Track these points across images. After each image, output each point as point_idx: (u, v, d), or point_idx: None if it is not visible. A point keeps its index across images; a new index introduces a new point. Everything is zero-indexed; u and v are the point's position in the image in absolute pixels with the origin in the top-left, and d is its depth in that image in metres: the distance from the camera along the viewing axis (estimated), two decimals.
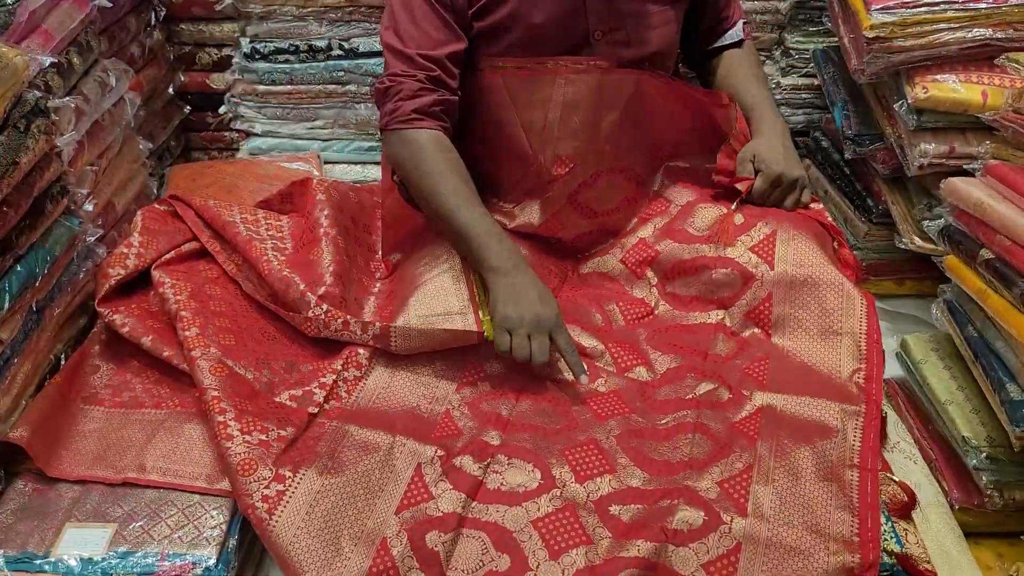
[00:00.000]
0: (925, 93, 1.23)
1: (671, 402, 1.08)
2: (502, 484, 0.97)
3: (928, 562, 0.92)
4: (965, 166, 1.14)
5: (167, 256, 1.21)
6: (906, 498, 0.97)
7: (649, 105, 1.24)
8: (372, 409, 1.06)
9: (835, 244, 1.21)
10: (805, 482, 0.95)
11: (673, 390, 1.10)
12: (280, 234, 1.27)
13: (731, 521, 0.90)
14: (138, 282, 1.20)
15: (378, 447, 1.00)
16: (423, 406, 1.08)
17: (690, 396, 1.08)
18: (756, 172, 1.23)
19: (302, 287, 1.13)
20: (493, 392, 1.10)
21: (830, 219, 1.26)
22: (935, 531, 1.00)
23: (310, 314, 1.11)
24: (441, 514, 0.94)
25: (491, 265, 1.13)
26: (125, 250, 1.19)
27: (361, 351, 1.11)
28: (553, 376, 1.12)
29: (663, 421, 1.05)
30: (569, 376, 1.11)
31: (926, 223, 1.21)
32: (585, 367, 1.09)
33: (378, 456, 0.99)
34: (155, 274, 1.18)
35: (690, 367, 1.12)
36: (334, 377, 1.08)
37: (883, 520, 0.93)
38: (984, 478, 1.04)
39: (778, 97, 1.63)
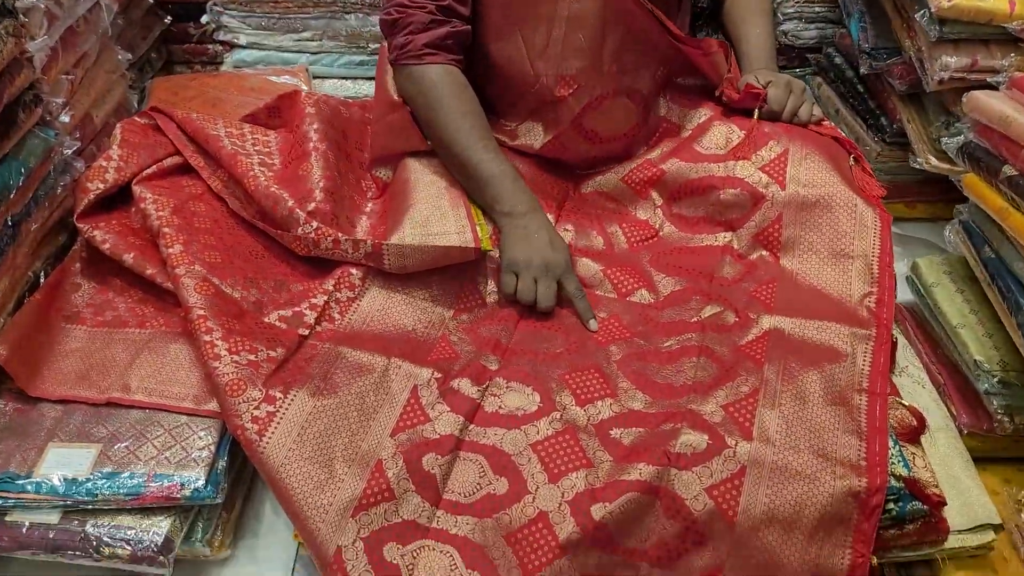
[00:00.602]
0: (949, 2, 1.16)
1: (675, 325, 1.04)
2: (500, 407, 0.94)
3: (936, 486, 0.89)
4: (988, 79, 1.08)
5: (148, 171, 1.15)
6: (915, 422, 0.94)
7: (651, 27, 1.17)
8: (366, 331, 1.02)
9: (852, 160, 1.16)
10: (812, 406, 0.92)
11: (677, 313, 1.06)
12: (267, 149, 1.21)
13: (735, 445, 0.88)
14: (119, 198, 1.14)
15: (372, 369, 0.96)
16: (419, 329, 1.04)
17: (695, 319, 1.04)
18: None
19: (291, 203, 1.08)
20: (491, 318, 1.07)
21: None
22: (943, 455, 0.98)
23: (299, 232, 1.06)
24: (438, 436, 0.91)
25: (503, 209, 1.10)
26: (104, 163, 1.13)
27: (354, 271, 1.06)
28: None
29: (666, 344, 1.02)
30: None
31: (944, 141, 1.16)
32: (595, 315, 1.06)
33: (372, 378, 0.95)
34: (136, 189, 1.12)
35: (695, 290, 1.08)
36: (325, 298, 1.03)
37: (891, 444, 0.90)
38: (995, 403, 1.01)
39: (790, 10, 1.55)
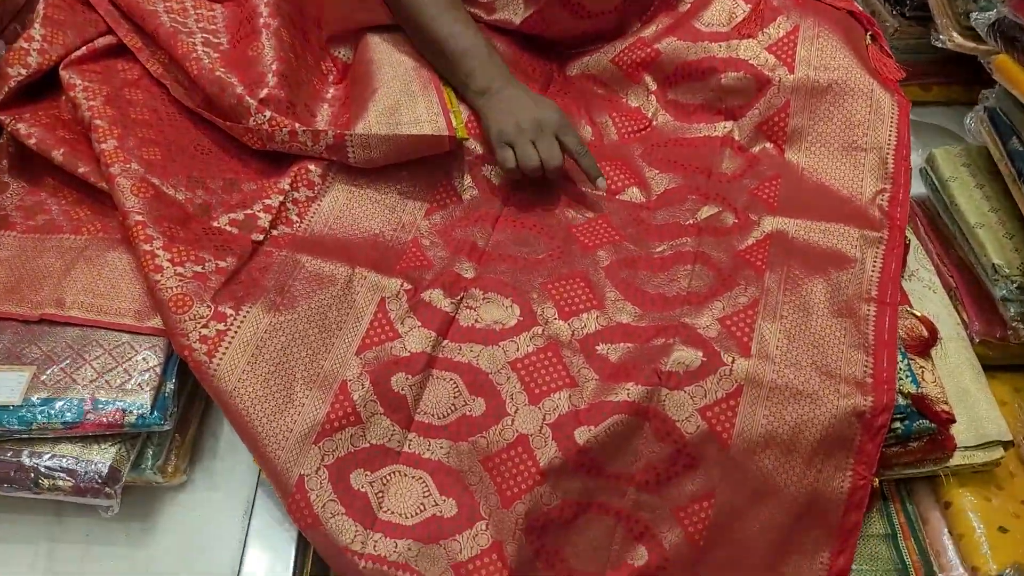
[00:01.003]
0: None
1: (668, 227, 0.95)
2: (477, 321, 0.86)
3: (945, 402, 0.83)
4: None
5: (78, 53, 1.01)
6: (926, 333, 0.87)
7: None
8: (327, 236, 0.92)
9: (868, 38, 1.03)
10: (816, 318, 0.84)
11: (671, 214, 0.96)
12: (213, 26, 1.06)
13: (732, 362, 0.80)
14: (46, 85, 1.01)
15: (335, 280, 0.87)
16: (387, 233, 0.94)
17: (690, 221, 0.95)
18: None
19: (240, 90, 0.95)
20: (467, 218, 0.97)
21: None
22: (952, 366, 0.91)
23: (251, 123, 0.94)
24: (408, 354, 0.83)
25: (477, 87, 0.98)
26: (25, 45, 0.99)
27: (313, 167, 0.95)
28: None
29: (659, 249, 0.93)
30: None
31: (973, 16, 1.03)
32: (602, 173, 0.96)
33: (335, 290, 0.86)
34: (64, 75, 0.99)
35: (691, 188, 0.98)
36: (281, 198, 0.93)
37: (899, 358, 0.83)
38: (1012, 310, 0.94)
39: None
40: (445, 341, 0.85)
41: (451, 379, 0.83)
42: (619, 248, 0.93)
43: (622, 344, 0.84)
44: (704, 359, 0.81)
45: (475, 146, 1.00)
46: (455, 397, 0.82)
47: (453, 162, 0.99)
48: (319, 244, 0.91)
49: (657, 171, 1.00)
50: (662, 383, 0.79)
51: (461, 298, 0.88)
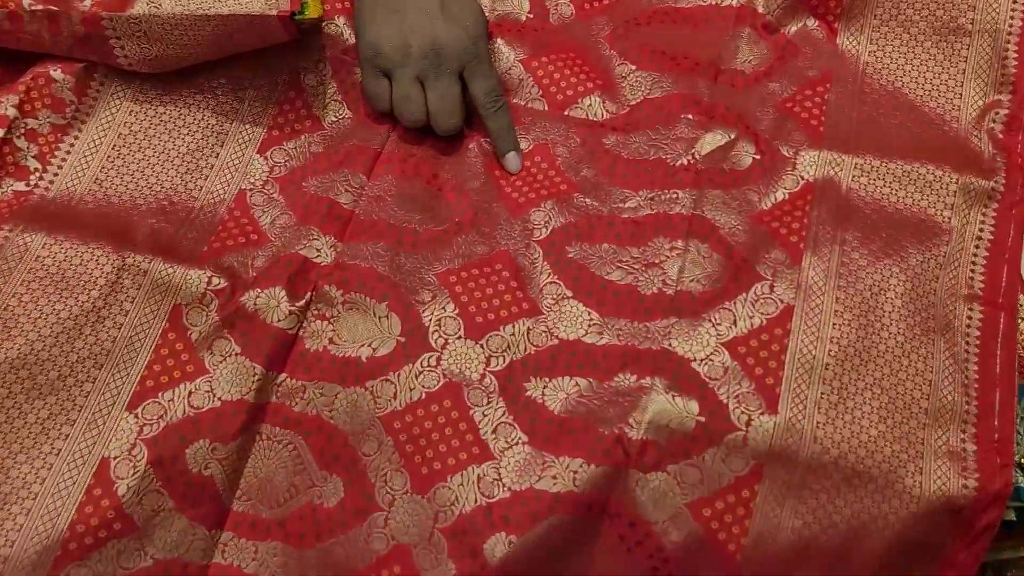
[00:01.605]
0: None
1: (647, 167, 0.59)
2: (331, 342, 0.53)
3: None
4: None
5: None
6: None
7: None
8: (83, 201, 0.57)
9: None
10: (886, 337, 0.51)
11: (652, 142, 0.60)
12: None
13: (747, 424, 0.48)
14: None
15: (91, 279, 0.53)
16: (190, 190, 0.58)
17: (683, 160, 0.59)
18: None
19: None
20: (327, 157, 0.60)
21: None
22: None
23: None
24: (218, 403, 0.51)
25: None
26: None
27: (60, 75, 0.58)
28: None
29: (630, 204, 0.58)
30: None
31: None
32: (518, 143, 0.60)
33: (91, 296, 0.52)
34: None
35: (686, 97, 0.61)
36: (3, 131, 0.56)
37: (1020, 406, 0.52)
38: None
39: None
40: (281, 377, 0.52)
41: (289, 443, 0.51)
42: (566, 205, 0.58)
43: (568, 382, 0.51)
44: (701, 419, 0.48)
45: (343, 32, 0.62)
46: (295, 474, 0.51)
47: (305, 63, 0.62)
48: (65, 215, 0.55)
49: (632, 66, 0.63)
50: (629, 461, 0.48)
51: (308, 301, 0.54)
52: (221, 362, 0.52)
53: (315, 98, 0.62)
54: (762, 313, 0.52)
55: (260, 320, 0.53)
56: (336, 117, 0.62)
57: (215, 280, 0.54)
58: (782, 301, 0.52)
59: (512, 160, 0.60)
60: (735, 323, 0.52)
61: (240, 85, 0.61)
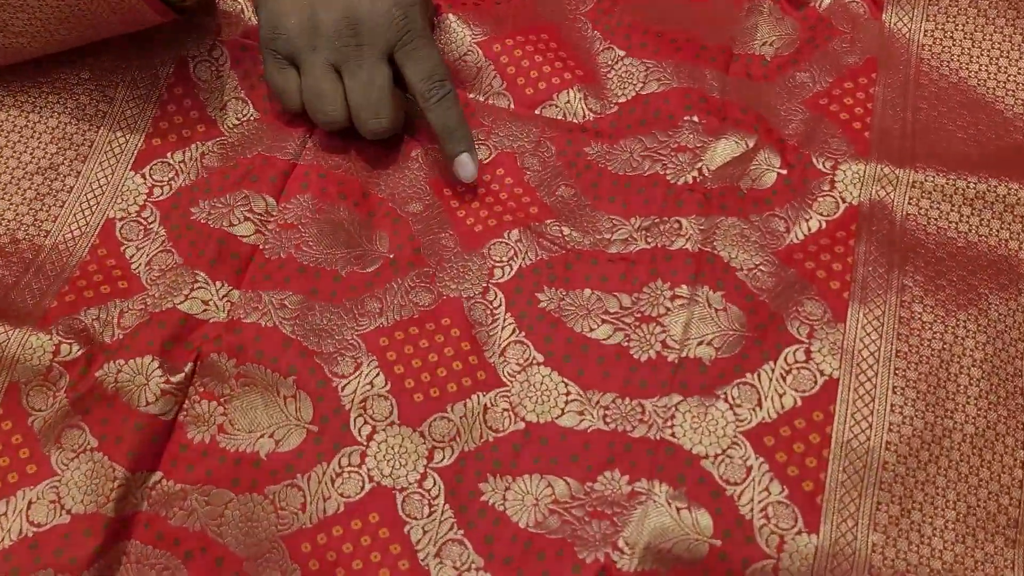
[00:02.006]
0: None
1: (642, 186, 0.46)
2: (221, 433, 0.40)
3: None
4: None
5: None
6: None
7: None
8: None
9: None
10: (959, 424, 0.38)
11: (646, 150, 0.47)
12: None
13: (779, 547, 0.35)
14: None
15: None
16: (34, 221, 0.44)
17: (686, 177, 0.45)
18: None
19: None
20: (228, 172, 0.46)
21: None
22: None
23: None
24: (67, 519, 0.38)
25: None
26: None
27: None
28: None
29: (619, 235, 0.44)
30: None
31: None
32: (473, 142, 0.46)
33: None
34: None
35: (690, 92, 0.47)
36: None
37: None
38: None
39: None
40: (154, 478, 0.39)
41: (165, 568, 0.38)
42: (536, 234, 0.44)
43: (538, 483, 0.38)
44: (716, 542, 0.36)
45: (244, 10, 0.48)
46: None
47: (195, 50, 0.48)
48: None
49: (621, 51, 0.49)
50: None
51: (190, 375, 0.40)
52: (72, 460, 0.39)
53: (209, 95, 0.48)
54: (796, 390, 0.39)
55: (123, 402, 0.39)
56: (237, 119, 0.47)
57: (65, 347, 0.40)
58: (822, 373, 0.39)
59: (465, 165, 0.45)
60: (759, 404, 0.38)
61: (109, 80, 0.47)
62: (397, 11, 0.44)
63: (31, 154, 0.45)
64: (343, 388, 0.40)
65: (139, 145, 0.46)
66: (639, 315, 0.42)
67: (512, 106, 0.49)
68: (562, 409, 0.40)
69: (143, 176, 0.46)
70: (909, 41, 0.47)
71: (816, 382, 0.39)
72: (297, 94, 0.45)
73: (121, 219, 0.45)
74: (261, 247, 0.44)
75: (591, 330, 0.42)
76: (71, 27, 0.42)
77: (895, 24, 0.48)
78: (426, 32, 0.46)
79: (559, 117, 0.48)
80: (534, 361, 0.41)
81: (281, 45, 0.44)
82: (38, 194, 0.44)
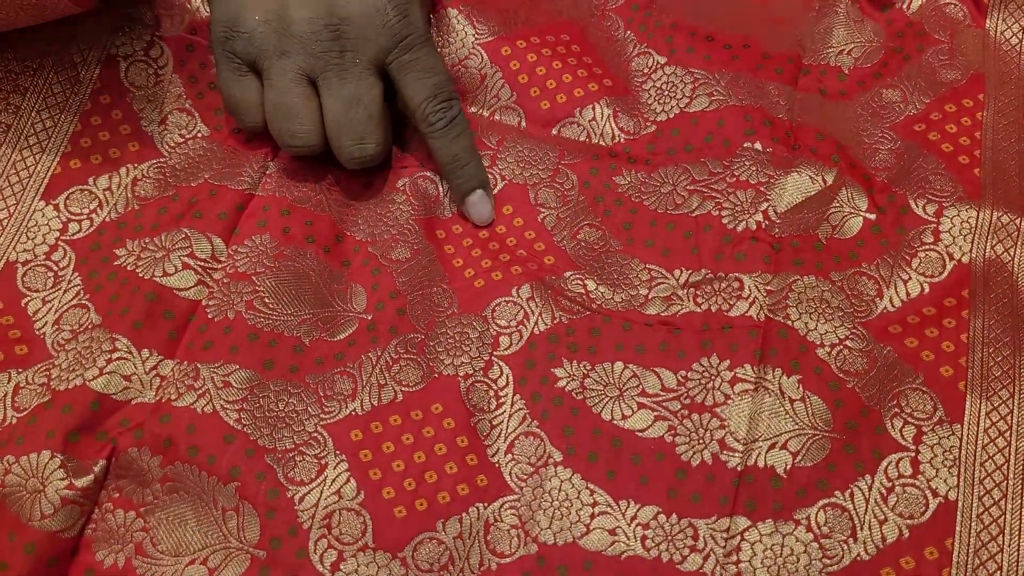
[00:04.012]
0: None
1: (689, 229, 0.36)
2: (139, 556, 0.30)
3: None
4: None
5: None
6: None
7: None
8: None
9: None
10: None
11: (696, 186, 0.37)
12: None
13: None
14: None
15: None
16: None
17: (748, 220, 0.36)
18: None
19: None
20: (164, 194, 0.37)
21: None
22: None
23: None
24: None
25: None
26: None
27: None
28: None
29: (659, 292, 0.35)
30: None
31: None
32: (487, 177, 0.37)
33: None
34: None
35: (749, 112, 0.38)
36: None
37: None
38: None
39: None
40: None
41: None
42: (553, 290, 0.35)
43: None
44: None
45: (190, 0, 0.39)
46: None
47: (127, 47, 0.38)
48: None
49: (661, 58, 0.40)
50: None
51: (101, 477, 0.31)
52: None
53: (145, 105, 0.38)
54: (902, 516, 0.29)
55: (11, 514, 0.30)
56: (181, 136, 0.38)
57: None
58: (935, 493, 0.30)
59: (477, 205, 0.37)
60: (854, 535, 0.29)
61: (14, 85, 0.37)
62: (392, 11, 0.35)
63: None
64: (301, 499, 0.30)
65: (52, 168, 0.36)
66: (688, 401, 0.32)
67: (523, 124, 0.39)
68: (587, 526, 0.31)
69: (56, 207, 0.36)
70: (1021, 54, 0.38)
71: (928, 506, 0.29)
72: (258, 108, 0.35)
73: (24, 263, 0.35)
74: (203, 304, 0.34)
75: (624, 418, 0.32)
76: None
77: (1002, 32, 0.38)
78: (428, 37, 0.36)
79: (582, 139, 0.39)
80: (550, 460, 0.32)
81: (240, 46, 0.35)
82: None
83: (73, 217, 0.36)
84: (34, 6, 0.33)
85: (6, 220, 0.36)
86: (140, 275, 0.34)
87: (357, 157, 0.35)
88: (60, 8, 0.33)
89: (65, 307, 0.34)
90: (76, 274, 0.35)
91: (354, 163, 0.36)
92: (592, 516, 0.31)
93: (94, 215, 0.36)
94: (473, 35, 0.40)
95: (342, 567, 0.30)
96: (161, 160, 0.37)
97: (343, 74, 0.35)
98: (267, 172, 0.37)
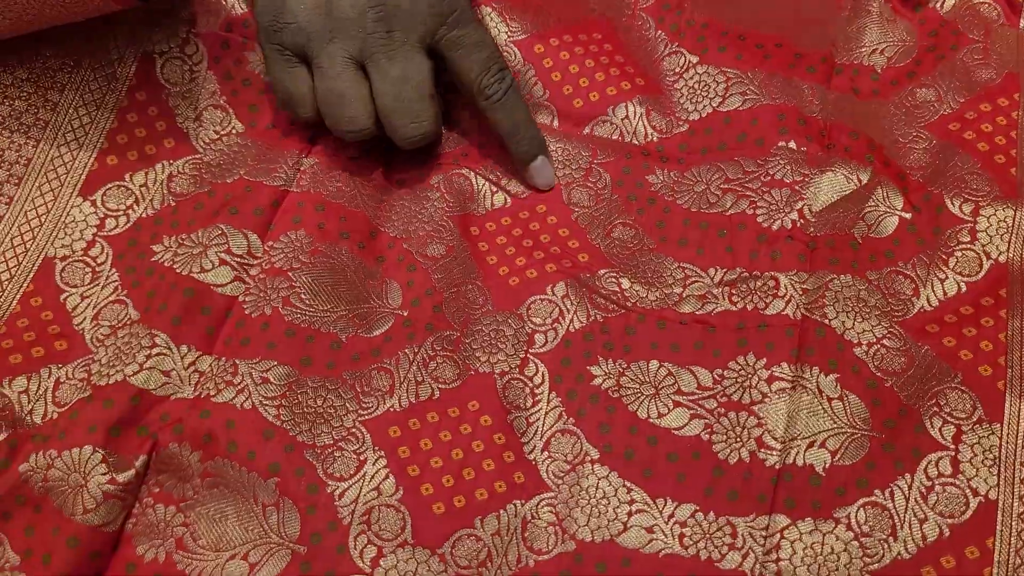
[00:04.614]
0: None
1: (724, 228, 0.36)
2: (180, 550, 0.30)
3: None
4: None
5: None
6: None
7: None
8: None
9: None
10: None
11: (729, 185, 0.37)
12: None
13: None
14: None
15: None
16: None
17: (783, 219, 0.36)
18: None
19: None
20: (199, 191, 0.37)
21: None
22: None
23: None
24: None
25: None
26: None
27: None
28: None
29: (693, 290, 0.35)
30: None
31: None
32: (545, 142, 0.38)
33: None
34: None
35: (783, 111, 0.38)
36: None
37: None
38: None
39: None
40: None
41: None
42: (588, 288, 0.35)
43: None
44: None
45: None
46: None
47: (162, 44, 0.38)
48: None
49: (693, 57, 0.40)
50: None
51: (143, 471, 0.31)
52: None
53: (180, 101, 0.38)
54: (942, 515, 0.29)
55: (54, 508, 0.30)
56: (215, 133, 0.38)
57: None
58: (975, 492, 0.30)
59: (542, 169, 0.37)
60: (894, 534, 0.29)
61: (52, 81, 0.37)
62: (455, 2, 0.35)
63: None
64: (340, 495, 0.31)
65: (89, 164, 0.37)
66: (724, 400, 0.32)
67: (556, 123, 0.39)
68: (624, 524, 0.31)
69: (93, 204, 0.36)
70: None
71: (968, 505, 0.29)
72: (311, 99, 0.35)
73: (63, 259, 0.35)
74: (240, 300, 0.34)
75: (660, 416, 0.32)
76: (13, 18, 0.33)
77: None
78: (473, 12, 0.37)
79: (614, 137, 0.39)
80: (587, 457, 0.32)
81: (288, 37, 0.35)
82: None
83: (110, 213, 0.36)
84: (76, 2, 0.33)
85: (44, 216, 0.36)
86: (177, 271, 0.34)
87: (411, 136, 0.36)
88: (101, 5, 0.33)
89: (103, 303, 0.34)
90: (114, 270, 0.35)
91: (409, 143, 0.36)
92: (629, 514, 0.31)
93: (131, 211, 0.36)
94: (506, 32, 0.40)
95: (382, 563, 0.30)
96: (196, 156, 0.37)
97: (391, 55, 0.35)
98: (301, 168, 0.37)
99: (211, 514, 0.30)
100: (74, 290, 0.35)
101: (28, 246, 0.35)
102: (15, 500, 0.30)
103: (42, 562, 0.29)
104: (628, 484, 0.31)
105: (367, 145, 0.38)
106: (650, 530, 0.31)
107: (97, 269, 0.35)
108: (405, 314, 0.35)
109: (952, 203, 0.35)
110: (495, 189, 0.38)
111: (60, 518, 0.30)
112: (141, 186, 0.37)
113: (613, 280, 0.35)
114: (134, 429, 0.31)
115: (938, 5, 0.40)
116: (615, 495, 0.31)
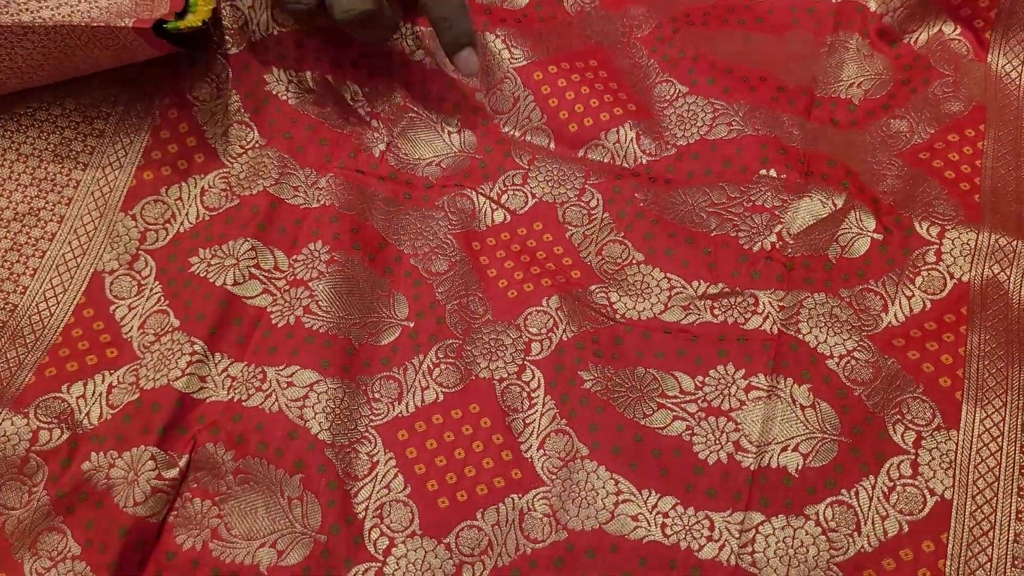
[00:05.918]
0: None
1: (708, 246, 0.39)
2: (215, 539, 0.34)
3: None
4: None
5: None
6: None
7: None
8: None
9: None
10: None
11: (714, 208, 0.40)
12: None
13: None
14: None
15: None
16: (10, 275, 0.39)
17: (763, 241, 0.39)
18: None
19: None
20: (229, 203, 0.41)
21: None
22: None
23: None
24: None
25: None
26: None
27: None
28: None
29: (674, 302, 0.38)
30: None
31: None
32: (474, 33, 0.40)
33: None
34: None
35: (765, 140, 0.41)
36: None
37: None
38: None
39: None
40: None
41: None
42: (579, 302, 0.38)
43: None
44: None
45: (249, 19, 0.42)
46: None
47: (196, 66, 0.42)
48: None
49: (683, 87, 0.43)
50: None
51: (184, 469, 0.34)
52: (49, 571, 0.33)
53: (208, 118, 0.42)
54: (902, 513, 0.32)
55: (112, 502, 0.33)
56: (241, 147, 0.42)
57: (44, 434, 0.34)
58: (932, 492, 0.33)
59: (466, 60, 0.39)
60: (858, 529, 0.32)
61: (98, 111, 0.41)
62: None
63: (7, 198, 0.39)
64: (356, 493, 0.34)
65: (128, 181, 0.40)
66: (704, 405, 0.35)
67: (552, 145, 0.43)
68: (611, 513, 0.34)
69: (134, 217, 0.40)
70: (1020, 87, 0.41)
71: (926, 503, 0.32)
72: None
73: (111, 272, 0.39)
74: (268, 310, 0.38)
75: (645, 417, 0.36)
76: (59, 65, 0.37)
77: (1003, 67, 0.41)
78: None
79: (606, 160, 0.42)
80: (578, 455, 0.35)
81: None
82: (15, 244, 0.38)
83: (150, 226, 0.40)
84: (124, 56, 0.37)
85: (92, 233, 0.39)
86: (212, 282, 0.38)
87: (349, 9, 0.36)
88: (144, 52, 0.37)
89: (148, 312, 0.38)
90: (157, 283, 0.39)
91: (347, 16, 0.37)
92: (616, 504, 0.34)
93: (168, 225, 0.40)
94: (508, 59, 0.43)
95: (393, 552, 0.33)
96: (225, 170, 0.41)
97: None
98: (318, 187, 0.41)
99: (243, 507, 0.34)
100: (122, 302, 0.38)
101: (79, 261, 0.39)
102: (79, 496, 0.34)
103: (99, 551, 0.33)
104: (615, 476, 0.34)
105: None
106: (635, 518, 0.34)
107: (142, 282, 0.39)
108: (411, 325, 0.38)
109: (920, 226, 0.38)
110: (495, 207, 0.41)
111: (116, 511, 0.33)
112: (176, 200, 0.40)
113: (603, 295, 0.38)
114: (177, 430, 0.35)
115: (912, 41, 0.43)
116: (603, 487, 0.34)
